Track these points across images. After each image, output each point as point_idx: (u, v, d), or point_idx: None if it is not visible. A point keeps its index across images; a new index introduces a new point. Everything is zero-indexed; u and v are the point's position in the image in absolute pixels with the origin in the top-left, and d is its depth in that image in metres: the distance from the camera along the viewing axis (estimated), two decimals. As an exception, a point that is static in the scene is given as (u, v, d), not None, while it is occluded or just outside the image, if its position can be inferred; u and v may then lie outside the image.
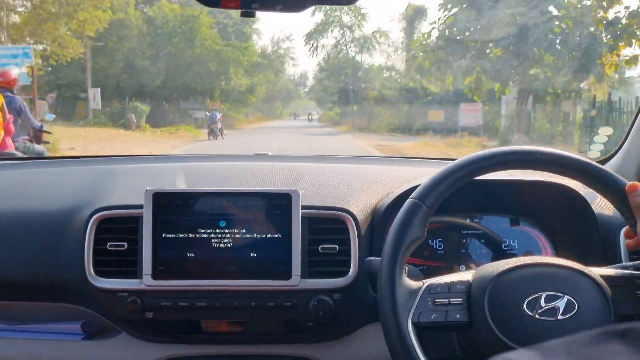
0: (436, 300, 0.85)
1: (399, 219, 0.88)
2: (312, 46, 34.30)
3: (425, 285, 0.86)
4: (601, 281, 0.84)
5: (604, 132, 1.90)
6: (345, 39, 33.92)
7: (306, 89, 44.06)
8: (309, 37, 34.07)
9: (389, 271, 0.85)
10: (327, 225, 1.09)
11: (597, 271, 0.86)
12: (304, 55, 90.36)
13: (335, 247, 1.07)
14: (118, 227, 1.08)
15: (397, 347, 0.82)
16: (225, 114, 27.51)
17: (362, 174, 1.32)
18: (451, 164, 0.90)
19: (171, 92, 23.72)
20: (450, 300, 0.85)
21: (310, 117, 34.58)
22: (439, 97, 20.64)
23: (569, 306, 0.81)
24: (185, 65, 23.90)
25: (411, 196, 0.89)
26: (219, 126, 15.96)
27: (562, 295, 0.82)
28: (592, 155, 1.73)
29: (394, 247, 0.86)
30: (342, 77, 32.54)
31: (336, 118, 31.57)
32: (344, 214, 1.09)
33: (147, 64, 23.08)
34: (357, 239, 1.08)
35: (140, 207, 1.04)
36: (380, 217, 1.14)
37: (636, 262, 0.92)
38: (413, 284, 0.87)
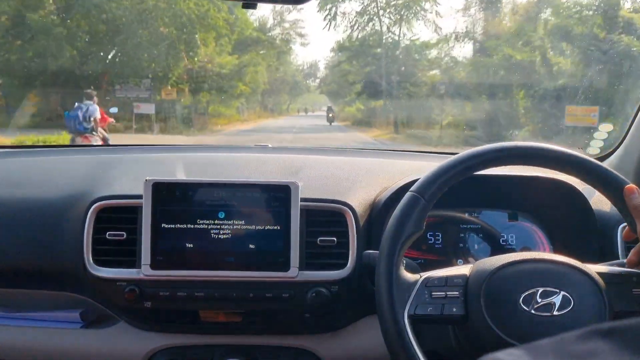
0: (433, 294, 0.86)
1: (398, 212, 0.89)
2: (329, 13, 24.10)
3: (422, 278, 0.87)
4: (597, 278, 0.85)
5: (604, 129, 1.91)
6: (376, 4, 24.12)
7: (316, 81, 35.22)
8: (325, 0, 24.43)
9: (386, 264, 0.86)
10: (325, 218, 1.10)
11: (594, 268, 0.88)
12: (315, 35, 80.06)
13: (334, 240, 1.09)
14: (117, 216, 1.09)
15: (393, 339, 0.83)
16: (202, 108, 18.74)
17: (362, 167, 1.34)
18: (451, 158, 0.91)
19: (99, 73, 14.44)
20: (447, 293, 0.86)
21: (331, 117, 24.60)
22: (584, 82, 11.55)
23: (564, 302, 0.82)
24: (121, 27, 14.36)
25: (410, 190, 0.90)
26: (98, 139, 6.65)
27: (558, 291, 0.83)
28: (591, 151, 1.75)
29: (392, 240, 0.87)
30: (369, 58, 23.03)
31: (359, 115, 23.90)
32: (343, 206, 1.11)
33: (53, 21, 13.70)
34: (355, 232, 1.09)
35: (140, 197, 1.05)
36: (379, 210, 1.16)
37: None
38: (410, 277, 0.88)
